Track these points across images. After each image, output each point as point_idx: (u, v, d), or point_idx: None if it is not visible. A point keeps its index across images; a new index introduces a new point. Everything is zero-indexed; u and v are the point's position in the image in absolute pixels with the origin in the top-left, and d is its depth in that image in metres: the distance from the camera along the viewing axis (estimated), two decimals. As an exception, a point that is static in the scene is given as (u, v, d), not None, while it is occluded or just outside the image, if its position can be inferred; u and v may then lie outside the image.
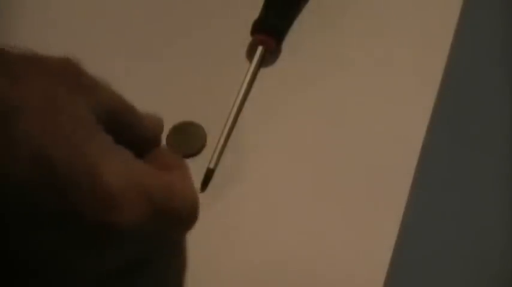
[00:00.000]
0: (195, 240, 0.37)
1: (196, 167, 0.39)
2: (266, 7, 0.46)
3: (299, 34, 0.46)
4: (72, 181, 0.28)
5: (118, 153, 0.31)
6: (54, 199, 0.28)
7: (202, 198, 0.36)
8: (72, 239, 0.29)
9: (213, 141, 0.42)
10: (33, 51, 0.31)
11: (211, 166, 0.41)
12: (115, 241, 0.30)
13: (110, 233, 0.29)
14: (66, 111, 0.30)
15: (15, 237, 0.29)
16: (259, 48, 0.44)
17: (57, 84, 0.30)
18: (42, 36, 0.46)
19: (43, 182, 0.28)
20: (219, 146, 0.41)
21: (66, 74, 0.31)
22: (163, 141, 0.41)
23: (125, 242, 0.30)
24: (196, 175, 0.39)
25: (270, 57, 0.45)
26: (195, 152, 0.42)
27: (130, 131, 0.34)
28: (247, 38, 0.45)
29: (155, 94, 0.43)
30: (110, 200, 0.29)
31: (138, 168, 0.32)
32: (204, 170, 0.41)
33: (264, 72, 0.45)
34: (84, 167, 0.29)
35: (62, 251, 0.29)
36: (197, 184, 0.40)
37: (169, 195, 0.32)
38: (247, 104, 0.43)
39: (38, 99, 0.29)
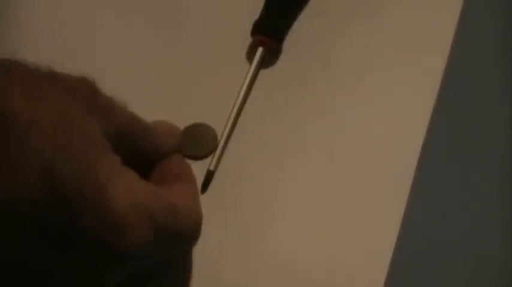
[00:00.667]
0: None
1: (196, 168, 0.39)
2: (266, 8, 0.46)
3: (299, 34, 0.46)
4: (78, 199, 0.28)
5: (125, 174, 0.31)
6: (59, 216, 0.28)
7: (203, 200, 0.37)
8: (74, 256, 0.29)
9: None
10: (49, 67, 0.31)
11: (212, 167, 0.41)
12: (117, 260, 0.30)
13: (112, 253, 0.30)
14: (78, 130, 0.30)
15: (16, 251, 0.29)
16: (260, 49, 0.44)
17: (71, 102, 0.30)
18: (44, 40, 0.46)
19: (50, 198, 0.28)
20: (219, 147, 0.41)
21: (81, 93, 0.31)
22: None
23: (126, 262, 0.31)
24: (197, 177, 0.39)
25: (270, 58, 0.45)
26: (206, 154, 0.42)
27: (144, 149, 0.35)
28: (248, 39, 0.45)
29: (155, 96, 0.43)
30: (114, 221, 0.29)
31: (143, 189, 0.32)
32: (204, 172, 0.41)
33: (264, 73, 0.44)
34: (92, 186, 0.29)
35: (63, 267, 0.29)
36: (197, 185, 0.40)
37: (172, 216, 0.32)
38: (247, 105, 0.43)
39: (51, 116, 0.29)
